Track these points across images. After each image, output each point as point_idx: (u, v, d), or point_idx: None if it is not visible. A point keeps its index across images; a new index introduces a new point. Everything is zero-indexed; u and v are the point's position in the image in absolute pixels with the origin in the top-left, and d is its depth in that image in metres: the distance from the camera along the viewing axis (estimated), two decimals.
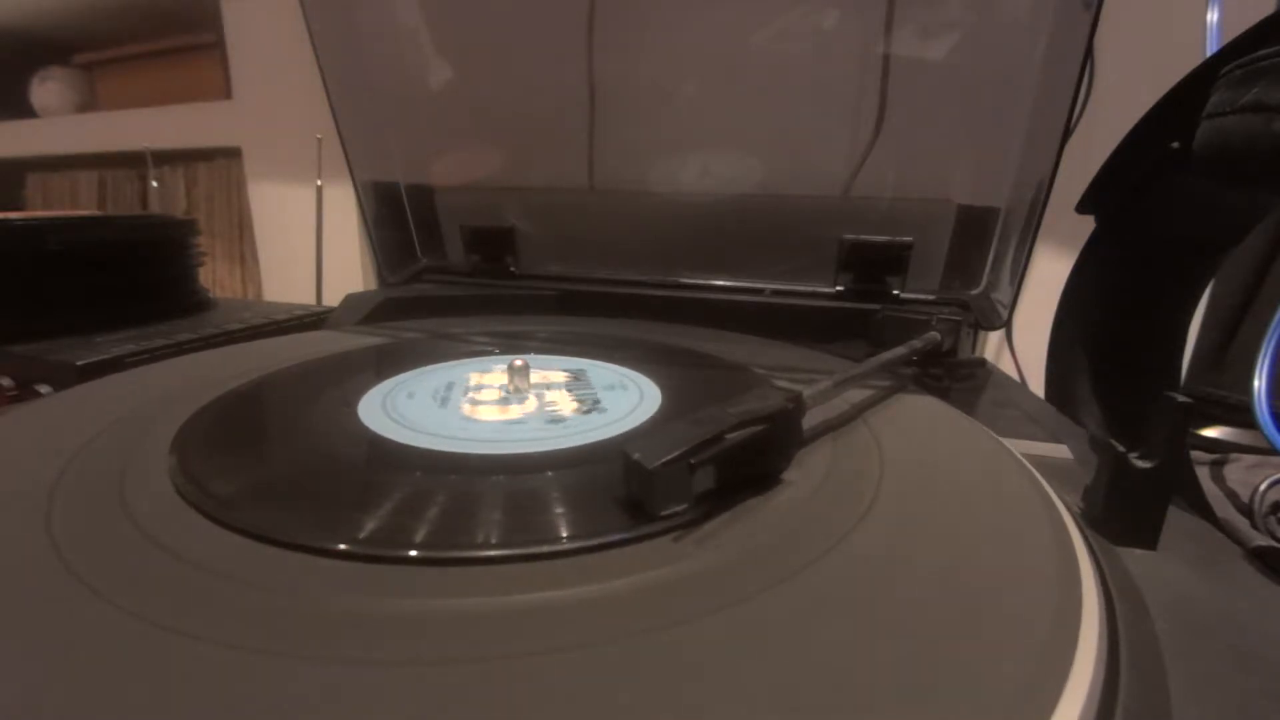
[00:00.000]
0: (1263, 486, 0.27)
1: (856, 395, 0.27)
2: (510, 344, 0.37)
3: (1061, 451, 0.26)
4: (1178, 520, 0.19)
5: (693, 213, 0.49)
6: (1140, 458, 0.18)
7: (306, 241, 0.69)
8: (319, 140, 0.65)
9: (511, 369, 0.27)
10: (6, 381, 0.36)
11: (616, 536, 0.16)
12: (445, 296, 0.51)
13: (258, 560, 0.15)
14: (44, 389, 0.35)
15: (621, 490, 0.17)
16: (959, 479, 0.21)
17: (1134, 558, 0.18)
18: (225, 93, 0.95)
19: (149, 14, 0.99)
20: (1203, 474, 0.31)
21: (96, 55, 1.07)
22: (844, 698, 0.11)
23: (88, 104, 1.10)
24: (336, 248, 0.79)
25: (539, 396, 0.27)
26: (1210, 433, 0.37)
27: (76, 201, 1.14)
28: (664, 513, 0.16)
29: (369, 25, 0.51)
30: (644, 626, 0.13)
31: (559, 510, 0.18)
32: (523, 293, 0.51)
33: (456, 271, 0.55)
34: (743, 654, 0.12)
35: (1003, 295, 0.42)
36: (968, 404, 0.32)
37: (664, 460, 0.16)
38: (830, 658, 0.12)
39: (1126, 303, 0.31)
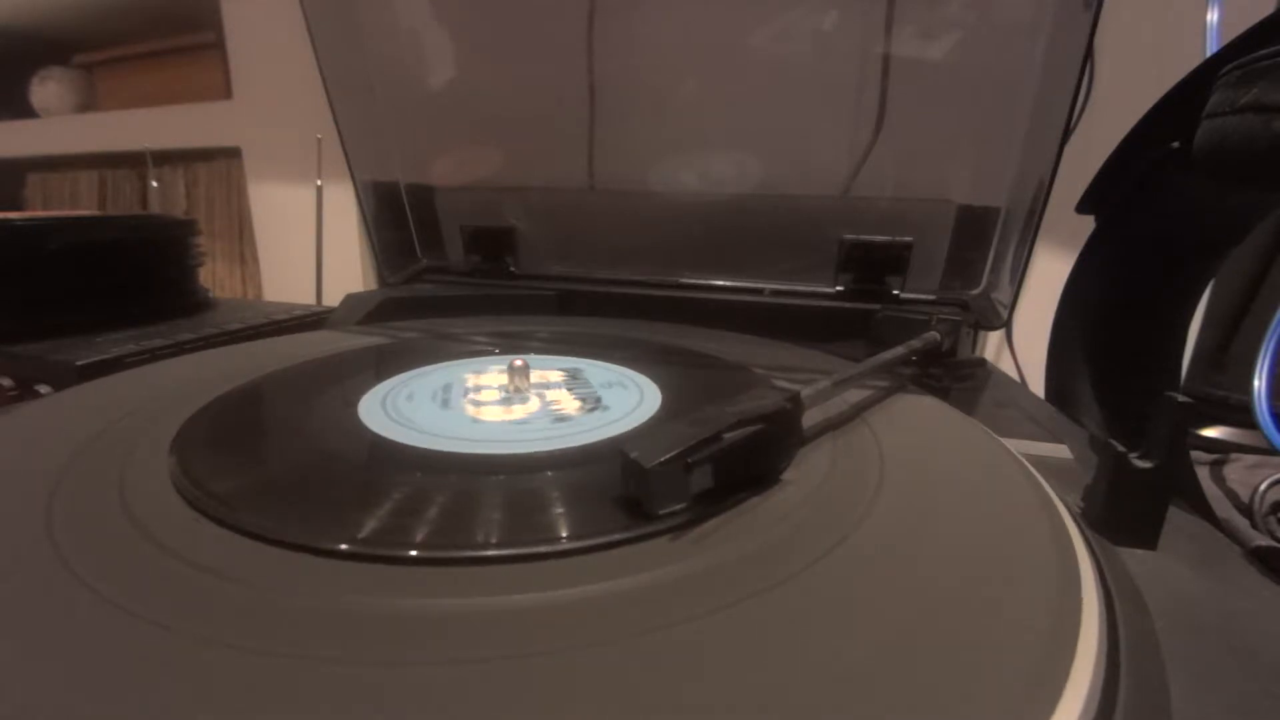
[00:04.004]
0: (1263, 486, 0.27)
1: (856, 395, 0.27)
2: (510, 344, 0.37)
3: (1061, 451, 0.26)
4: (1178, 520, 0.19)
5: (693, 213, 0.49)
6: (1140, 458, 0.18)
7: (306, 241, 0.69)
8: (319, 140, 0.65)
9: (511, 369, 0.27)
10: (6, 381, 0.36)
11: (614, 536, 0.16)
12: (445, 296, 0.51)
13: (258, 560, 0.15)
14: (44, 389, 0.35)
15: (620, 490, 0.17)
16: (959, 479, 0.21)
17: (1134, 558, 0.18)
18: (225, 93, 0.95)
19: (149, 14, 0.99)
20: (1203, 474, 0.31)
21: (96, 55, 1.07)
22: (843, 698, 0.11)
23: (88, 104, 1.10)
24: (336, 248, 0.79)
25: (539, 396, 0.27)
26: (1210, 433, 0.37)
27: (76, 201, 1.14)
28: (662, 512, 0.16)
29: (369, 25, 0.51)
30: (641, 627, 0.13)
31: (557, 510, 0.18)
32: (523, 293, 0.51)
33: (456, 271, 0.55)
34: (741, 654, 0.12)
35: (1003, 295, 0.42)
36: (968, 404, 0.32)
37: (661, 459, 0.16)
38: (829, 658, 0.12)
39: (1126, 303, 0.31)
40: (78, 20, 1.03)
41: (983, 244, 0.43)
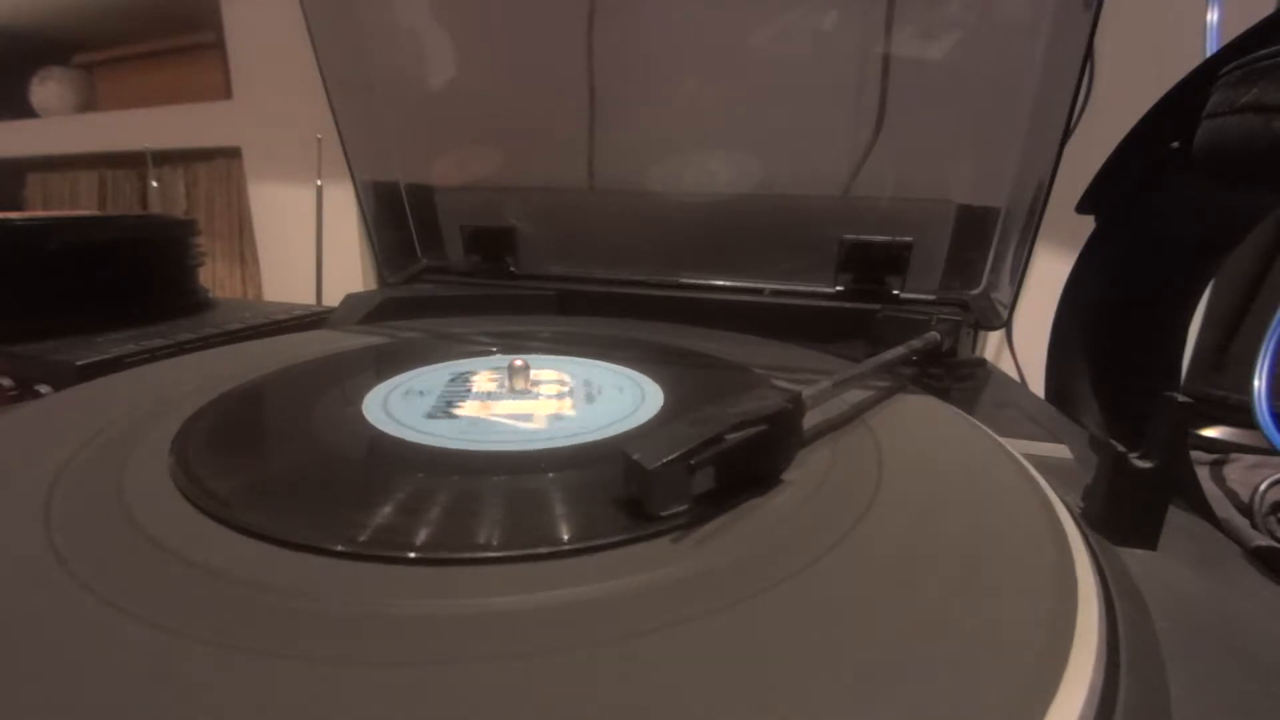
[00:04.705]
0: (1263, 486, 0.27)
1: (856, 395, 0.27)
2: (510, 344, 0.37)
3: (1061, 451, 0.26)
4: (1178, 520, 0.19)
5: (693, 213, 0.49)
6: (1140, 458, 0.18)
7: (306, 241, 0.69)
8: (319, 140, 0.65)
9: (511, 369, 0.27)
10: (6, 381, 0.36)
11: (616, 537, 0.16)
12: (445, 296, 0.51)
13: (258, 560, 0.15)
14: (44, 389, 0.35)
15: (622, 491, 0.17)
16: (959, 479, 0.21)
17: (1134, 558, 0.18)
18: (225, 93, 0.95)
19: (149, 14, 0.99)
20: (1203, 474, 0.31)
21: (96, 55, 1.07)
22: (843, 698, 0.11)
23: (88, 104, 1.10)
24: (336, 248, 0.79)
25: (539, 396, 0.27)
26: (1210, 433, 0.37)
27: (76, 201, 1.14)
28: (664, 513, 0.16)
29: (369, 25, 0.51)
30: (643, 628, 0.13)
31: (559, 511, 0.18)
32: (523, 293, 0.51)
33: (456, 271, 0.55)
34: (742, 655, 0.12)
35: (1003, 295, 0.42)
36: (968, 404, 0.32)
37: (663, 461, 0.16)
38: (829, 658, 0.12)
39: (1126, 303, 0.31)
40: (78, 20, 1.03)
41: (983, 244, 0.43)
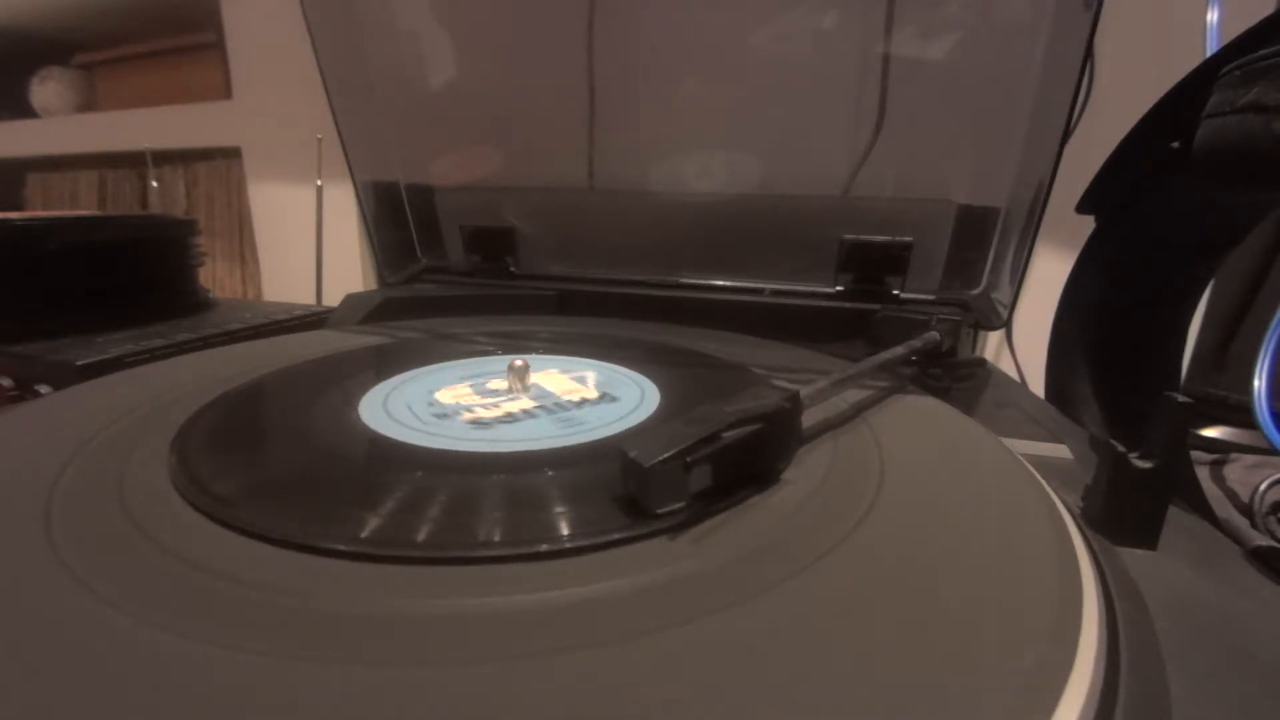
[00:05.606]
0: (1263, 486, 0.27)
1: (856, 395, 0.27)
2: (510, 344, 0.37)
3: (1061, 451, 0.26)
4: (1178, 520, 0.19)
5: (693, 213, 0.49)
6: (1140, 458, 0.18)
7: (306, 241, 0.69)
8: (319, 140, 0.65)
9: (511, 369, 0.27)
10: (6, 381, 0.36)
11: (613, 535, 0.16)
12: (445, 296, 0.51)
13: (258, 560, 0.15)
14: (44, 389, 0.35)
15: (619, 489, 0.17)
16: (959, 479, 0.21)
17: (1134, 558, 0.18)
18: (225, 93, 0.95)
19: (149, 14, 0.99)
20: (1203, 474, 0.31)
21: (96, 55, 1.07)
22: (843, 698, 0.11)
23: (88, 104, 1.10)
24: (336, 248, 0.79)
25: (539, 396, 0.27)
26: (1210, 433, 0.37)
27: (76, 201, 1.14)
28: (661, 511, 0.16)
29: (369, 25, 0.51)
30: (640, 626, 0.13)
31: (556, 509, 0.18)
32: (523, 293, 0.51)
33: (456, 271, 0.55)
34: (740, 654, 0.12)
35: (1003, 295, 0.42)
36: (968, 404, 0.32)
37: (660, 458, 0.16)
38: (829, 658, 0.12)
39: (1126, 303, 0.31)
40: (78, 20, 1.03)
41: (983, 244, 0.43)
